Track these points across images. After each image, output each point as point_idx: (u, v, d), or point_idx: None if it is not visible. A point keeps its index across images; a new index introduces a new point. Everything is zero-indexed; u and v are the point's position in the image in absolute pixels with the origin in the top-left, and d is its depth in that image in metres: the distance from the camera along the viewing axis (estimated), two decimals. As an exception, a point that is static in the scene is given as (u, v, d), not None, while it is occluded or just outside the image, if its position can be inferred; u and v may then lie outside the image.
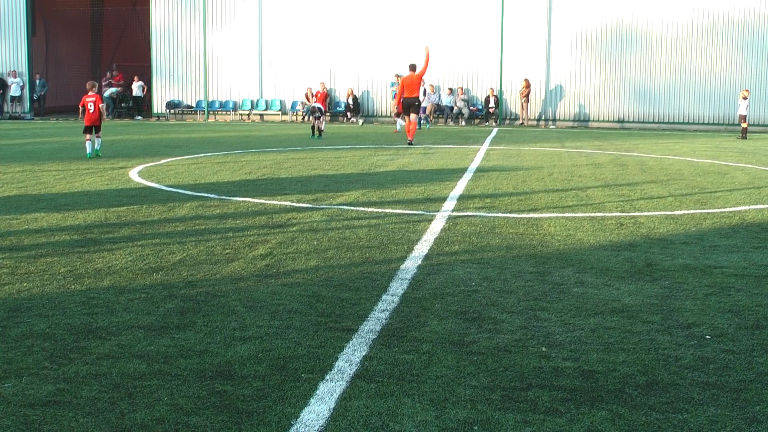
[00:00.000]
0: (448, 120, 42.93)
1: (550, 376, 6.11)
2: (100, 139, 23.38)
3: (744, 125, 34.08)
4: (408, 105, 28.88)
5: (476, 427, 5.23)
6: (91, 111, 22.92)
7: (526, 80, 41.96)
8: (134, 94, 47.00)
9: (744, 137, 33.63)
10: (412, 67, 29.54)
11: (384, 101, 44.30)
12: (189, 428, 5.16)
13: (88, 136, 23.12)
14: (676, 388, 5.90)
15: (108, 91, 46.78)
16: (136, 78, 46.96)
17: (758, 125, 39.98)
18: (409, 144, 28.57)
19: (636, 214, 13.70)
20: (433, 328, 7.24)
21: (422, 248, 10.64)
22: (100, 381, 5.90)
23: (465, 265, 9.70)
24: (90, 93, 23.18)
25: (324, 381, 5.93)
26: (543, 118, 42.88)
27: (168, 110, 46.03)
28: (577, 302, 8.16)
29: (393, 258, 10.06)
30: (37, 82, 46.80)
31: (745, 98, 34.17)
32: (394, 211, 13.71)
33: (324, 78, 44.51)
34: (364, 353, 6.53)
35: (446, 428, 5.22)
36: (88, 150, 22.92)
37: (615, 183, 17.86)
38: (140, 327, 7.16)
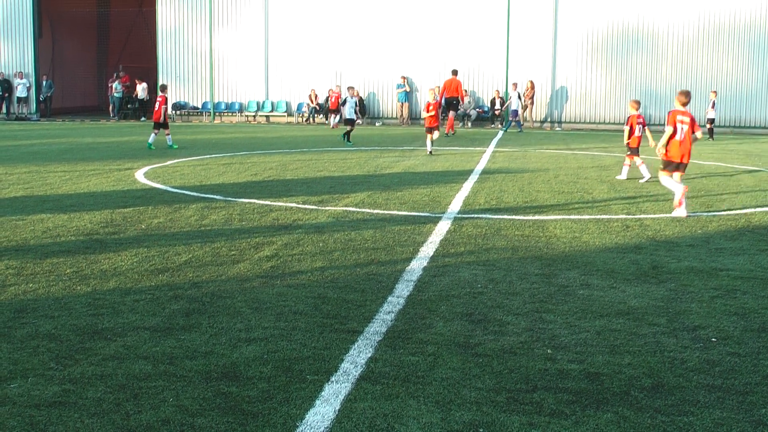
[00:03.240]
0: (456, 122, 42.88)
1: (555, 378, 6.11)
2: (169, 136, 27.08)
3: (708, 126, 35.28)
4: (448, 103, 34.94)
5: (481, 429, 5.22)
6: (155, 109, 27.26)
7: (531, 82, 41.90)
8: (139, 96, 47.00)
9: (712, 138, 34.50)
10: (454, 72, 35.85)
11: (390, 103, 44.29)
12: (194, 429, 5.17)
13: (155, 131, 26.85)
14: (681, 390, 5.90)
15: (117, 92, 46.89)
16: (138, 81, 46.97)
17: (765, 128, 39.99)
18: (446, 135, 33.52)
19: (642, 216, 13.69)
20: (438, 329, 7.24)
21: (428, 250, 10.64)
22: (105, 382, 5.91)
23: (470, 267, 9.70)
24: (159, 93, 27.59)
25: (329, 383, 5.93)
26: (549, 119, 42.84)
27: (174, 111, 46.03)
28: (582, 304, 8.15)
29: (398, 260, 10.06)
30: (44, 83, 46.84)
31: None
32: (400, 212, 13.71)
33: (330, 80, 44.48)
34: (369, 355, 6.54)
35: (451, 430, 5.22)
36: (150, 140, 26.53)
37: (620, 185, 17.85)
38: (146, 328, 7.17)
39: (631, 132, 19.37)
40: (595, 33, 41.73)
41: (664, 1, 40.86)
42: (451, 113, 35.44)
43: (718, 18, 40.47)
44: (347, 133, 29.55)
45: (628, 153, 19.46)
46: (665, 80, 41.28)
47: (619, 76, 41.74)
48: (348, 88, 31.90)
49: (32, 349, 6.60)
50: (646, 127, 19.70)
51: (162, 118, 26.86)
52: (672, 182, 14.42)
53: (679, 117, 14.43)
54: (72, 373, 6.07)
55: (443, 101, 35.12)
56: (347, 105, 30.42)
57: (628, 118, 19.70)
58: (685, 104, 14.63)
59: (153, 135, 26.67)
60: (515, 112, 38.87)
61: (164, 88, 27.97)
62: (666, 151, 14.53)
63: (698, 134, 14.62)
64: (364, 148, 27.28)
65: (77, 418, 5.29)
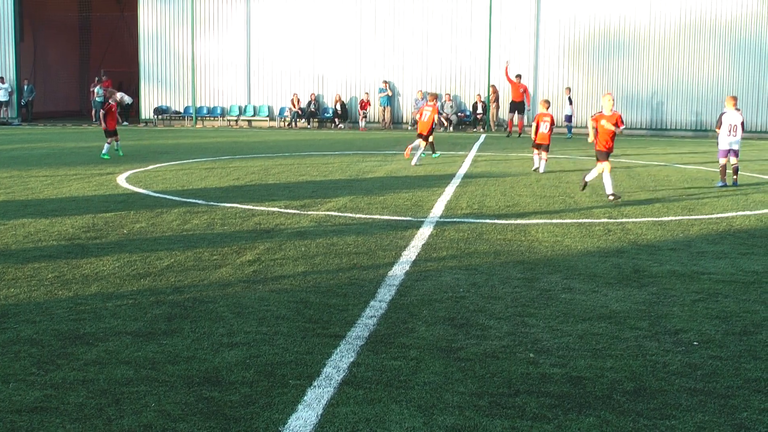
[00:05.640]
0: (437, 126, 42.92)
1: (537, 382, 6.12)
2: (107, 145, 24.75)
3: None
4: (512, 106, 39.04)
5: (464, 434, 5.23)
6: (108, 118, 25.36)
7: (493, 86, 42.06)
8: (118, 100, 46.81)
9: None
10: (517, 76, 39.06)
11: (373, 107, 44.25)
12: (176, 435, 5.16)
13: (116, 138, 25.17)
14: (663, 394, 5.92)
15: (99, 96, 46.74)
16: (113, 95, 46.85)
17: (748, 131, 40.07)
18: (508, 135, 38.01)
19: (624, 220, 13.73)
20: (420, 334, 7.24)
21: (410, 254, 10.64)
22: (87, 387, 5.88)
23: (453, 272, 9.71)
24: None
25: (312, 387, 5.93)
26: (530, 123, 42.89)
27: (156, 116, 45.93)
28: (564, 308, 8.17)
29: (381, 264, 10.06)
30: (25, 87, 46.66)
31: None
32: (382, 217, 13.71)
33: (312, 84, 44.50)
34: (351, 359, 6.53)
35: (434, 434, 5.22)
36: (117, 150, 25.14)
37: (602, 189, 17.88)
38: (127, 333, 7.15)
39: (537, 129, 21.55)
40: (577, 37, 41.84)
41: (646, 3, 41.01)
42: (513, 115, 38.91)
43: (699, 20, 40.62)
44: (430, 145, 25.43)
45: (534, 146, 21.92)
46: (646, 84, 41.40)
47: (600, 78, 41.84)
48: (428, 95, 30.89)
49: (13, 354, 6.57)
50: (542, 125, 21.63)
51: (108, 124, 24.83)
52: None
53: (426, 108, 23.84)
54: (53, 378, 6.04)
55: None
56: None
57: (536, 116, 22.28)
58: (433, 100, 24.20)
59: (116, 143, 25.08)
60: (569, 117, 38.54)
61: (111, 94, 27.30)
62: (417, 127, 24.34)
63: (430, 111, 23.70)
64: (346, 153, 27.27)
65: (59, 424, 5.27)
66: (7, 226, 12.44)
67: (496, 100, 42.30)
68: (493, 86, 42.13)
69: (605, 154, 16.36)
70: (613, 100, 16.69)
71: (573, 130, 38.44)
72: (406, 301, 8.35)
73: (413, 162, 23.03)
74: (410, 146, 24.24)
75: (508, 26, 42.31)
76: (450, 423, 5.37)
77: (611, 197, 15.85)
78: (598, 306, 8.29)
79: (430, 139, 25.03)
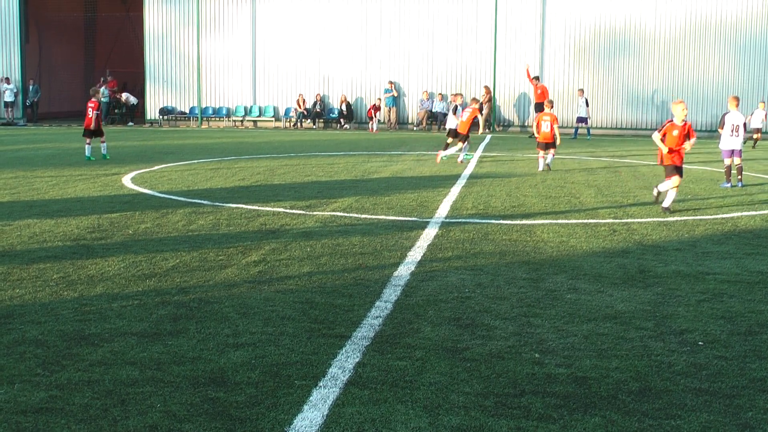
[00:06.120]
0: (441, 126, 42.88)
1: (543, 382, 6.12)
2: (104, 144, 24.56)
3: (756, 136, 33.47)
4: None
5: (469, 434, 5.23)
6: (87, 116, 24.46)
7: (486, 87, 42.07)
8: (125, 102, 46.88)
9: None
10: (537, 78, 39.57)
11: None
12: (182, 435, 5.16)
13: (88, 140, 24.36)
14: (669, 394, 5.91)
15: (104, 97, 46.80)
16: (119, 95, 46.91)
17: (750, 131, 40.00)
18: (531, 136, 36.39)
19: (629, 220, 13.72)
20: (426, 334, 7.24)
21: (415, 255, 10.64)
22: (92, 388, 5.89)
23: (458, 272, 9.71)
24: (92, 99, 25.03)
25: (317, 388, 5.93)
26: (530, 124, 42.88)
27: (161, 116, 45.95)
28: (570, 309, 8.17)
29: (386, 264, 10.06)
30: (30, 88, 46.71)
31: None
32: (388, 217, 13.71)
33: (317, 84, 44.48)
34: (357, 360, 6.53)
35: (439, 435, 5.23)
36: (87, 152, 24.12)
37: (608, 189, 17.88)
38: (133, 333, 7.15)
39: (539, 129, 22.10)
40: (582, 37, 41.78)
41: (651, 3, 40.96)
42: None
43: (704, 20, 40.56)
44: (446, 145, 25.03)
45: (539, 146, 22.42)
46: (651, 84, 41.33)
47: (605, 78, 41.78)
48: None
49: (19, 354, 6.58)
50: (543, 124, 21.99)
51: (94, 125, 24.32)
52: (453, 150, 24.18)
53: (468, 108, 24.32)
54: (59, 379, 6.05)
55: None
56: (453, 115, 25.46)
57: (536, 116, 23.53)
58: (476, 103, 24.58)
59: (87, 146, 24.22)
60: (583, 119, 37.61)
61: (95, 92, 25.92)
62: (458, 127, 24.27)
63: (470, 111, 24.24)
64: (352, 153, 27.27)
65: (64, 425, 5.28)
66: (12, 226, 12.46)
67: (489, 100, 42.27)
68: (486, 87, 42.16)
69: (674, 169, 14.76)
70: (686, 108, 15.11)
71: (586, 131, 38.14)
72: (412, 302, 8.36)
73: (459, 159, 24.09)
74: (440, 153, 24.67)
75: (513, 27, 42.27)
76: (455, 423, 5.38)
77: (666, 209, 14.62)
78: (603, 306, 8.28)
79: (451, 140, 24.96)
